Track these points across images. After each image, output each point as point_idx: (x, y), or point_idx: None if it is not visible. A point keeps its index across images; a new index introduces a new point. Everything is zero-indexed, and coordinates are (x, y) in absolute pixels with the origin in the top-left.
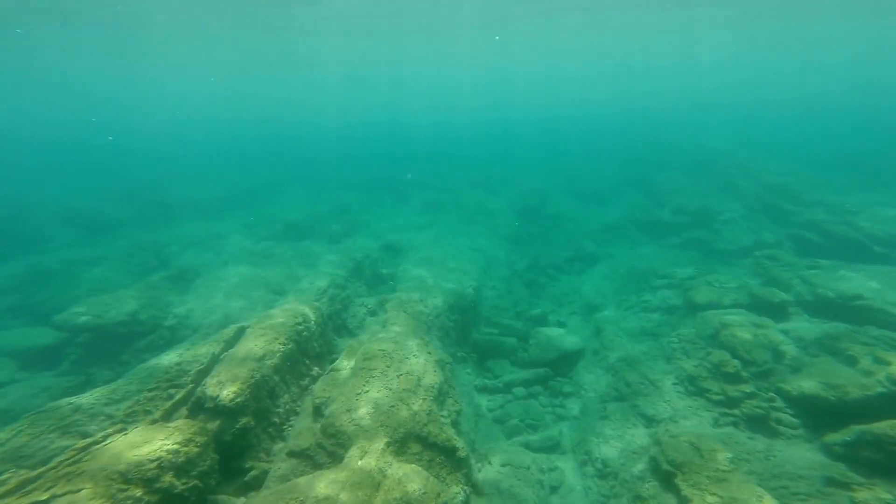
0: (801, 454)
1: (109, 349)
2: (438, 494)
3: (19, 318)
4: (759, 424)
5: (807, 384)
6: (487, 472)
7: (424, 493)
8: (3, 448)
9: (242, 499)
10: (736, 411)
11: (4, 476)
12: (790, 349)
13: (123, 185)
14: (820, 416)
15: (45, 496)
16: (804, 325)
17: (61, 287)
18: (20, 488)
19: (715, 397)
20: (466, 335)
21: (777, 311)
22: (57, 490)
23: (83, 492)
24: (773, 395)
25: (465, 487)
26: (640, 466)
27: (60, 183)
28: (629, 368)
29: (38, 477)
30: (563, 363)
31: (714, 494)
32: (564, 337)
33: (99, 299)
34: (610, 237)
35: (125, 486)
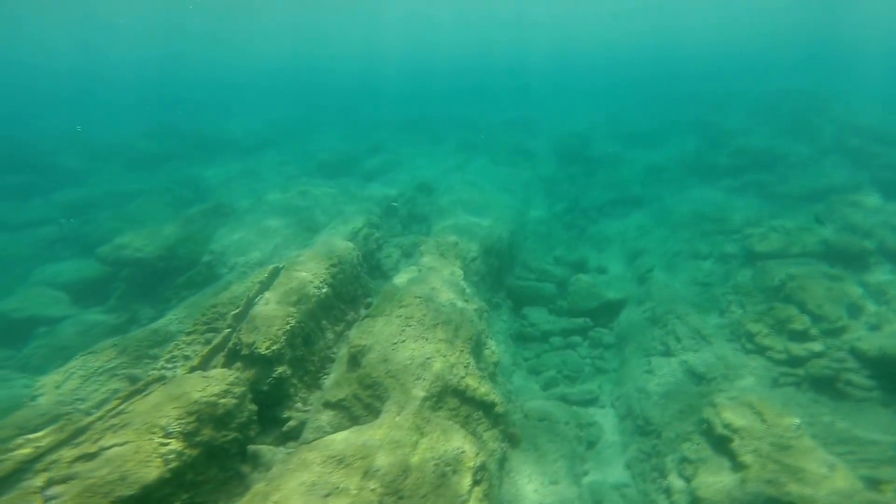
0: (874, 418)
1: (151, 284)
2: (477, 453)
3: (69, 249)
4: (826, 386)
5: (888, 343)
6: (524, 425)
7: (462, 452)
8: (60, 391)
9: (282, 448)
10: (800, 371)
11: (61, 422)
12: (869, 304)
13: (161, 122)
14: None
15: (94, 448)
16: (887, 278)
17: (104, 220)
18: (72, 438)
19: (777, 356)
20: (502, 280)
21: (855, 262)
22: (104, 443)
23: (128, 445)
24: (844, 354)
25: (503, 444)
26: (687, 427)
27: (101, 119)
28: (677, 321)
29: (87, 427)
30: (603, 313)
31: (777, 462)
32: (606, 285)
33: (139, 233)
34: (657, 180)
35: (167, 441)
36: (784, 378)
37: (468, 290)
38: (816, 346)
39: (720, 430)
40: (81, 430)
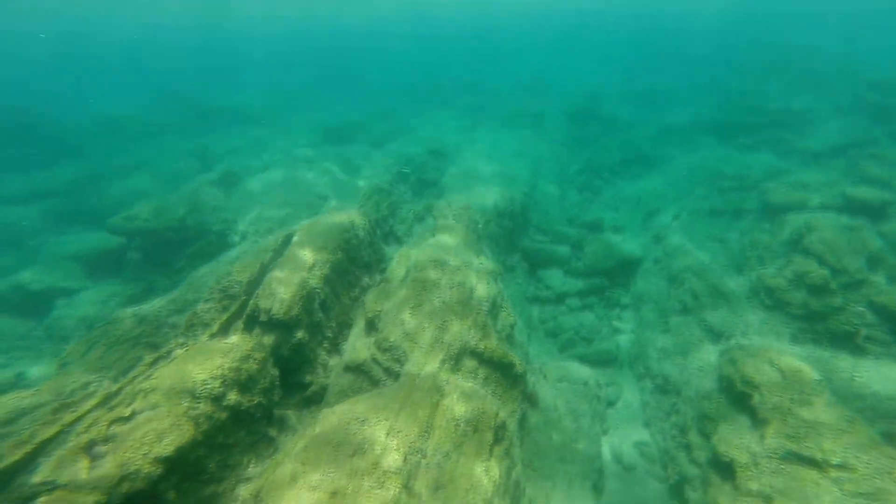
0: (892, 374)
1: (164, 255)
2: (497, 413)
3: (77, 224)
4: (845, 341)
5: None
6: (543, 387)
7: (483, 413)
8: (86, 359)
9: (306, 412)
10: (819, 327)
11: (92, 388)
12: (889, 256)
13: (160, 92)
14: None
15: (127, 412)
16: None
17: (111, 192)
18: (105, 402)
19: (795, 311)
20: (516, 242)
21: (875, 213)
22: (137, 406)
23: (159, 409)
24: (863, 309)
25: (522, 405)
26: (706, 384)
27: (97, 90)
28: (695, 278)
29: (118, 391)
30: (620, 272)
31: (797, 418)
32: (622, 244)
33: (148, 204)
34: (671, 140)
35: (195, 405)
36: (803, 334)
37: (482, 253)
38: (836, 301)
39: (740, 386)
40: (113, 395)
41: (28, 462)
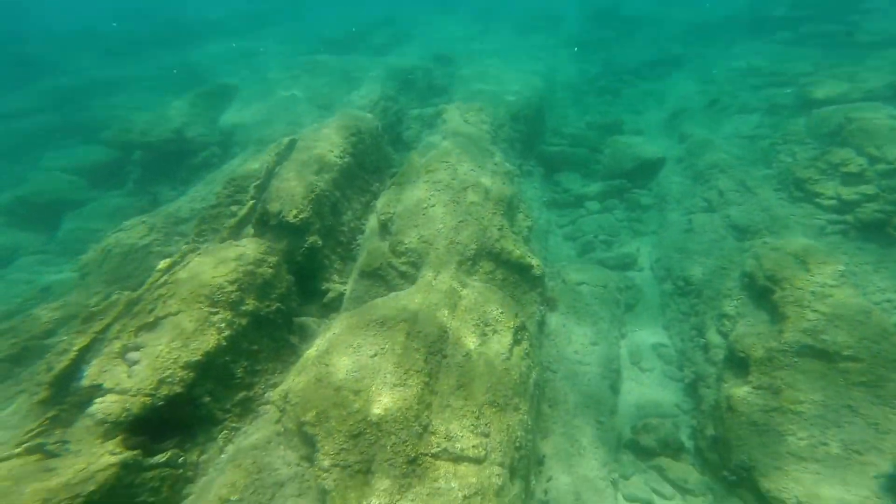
0: None
1: (165, 167)
2: (516, 314)
3: (71, 137)
4: (875, 232)
5: None
6: (562, 290)
7: (502, 313)
8: (104, 269)
9: (325, 320)
10: (849, 217)
11: (114, 297)
12: None
13: (128, 9)
14: None
15: (151, 318)
16: None
17: (98, 107)
18: (128, 310)
19: (826, 202)
20: (532, 147)
21: None
22: (159, 312)
23: (181, 315)
24: None
25: (541, 307)
26: (727, 283)
27: (63, 7)
28: (721, 175)
29: (139, 299)
30: (641, 173)
31: (816, 311)
32: (644, 145)
33: (140, 117)
34: (701, 38)
35: (215, 310)
36: (831, 227)
37: (496, 156)
38: (870, 189)
39: (762, 282)
40: (135, 302)
41: (74, 369)
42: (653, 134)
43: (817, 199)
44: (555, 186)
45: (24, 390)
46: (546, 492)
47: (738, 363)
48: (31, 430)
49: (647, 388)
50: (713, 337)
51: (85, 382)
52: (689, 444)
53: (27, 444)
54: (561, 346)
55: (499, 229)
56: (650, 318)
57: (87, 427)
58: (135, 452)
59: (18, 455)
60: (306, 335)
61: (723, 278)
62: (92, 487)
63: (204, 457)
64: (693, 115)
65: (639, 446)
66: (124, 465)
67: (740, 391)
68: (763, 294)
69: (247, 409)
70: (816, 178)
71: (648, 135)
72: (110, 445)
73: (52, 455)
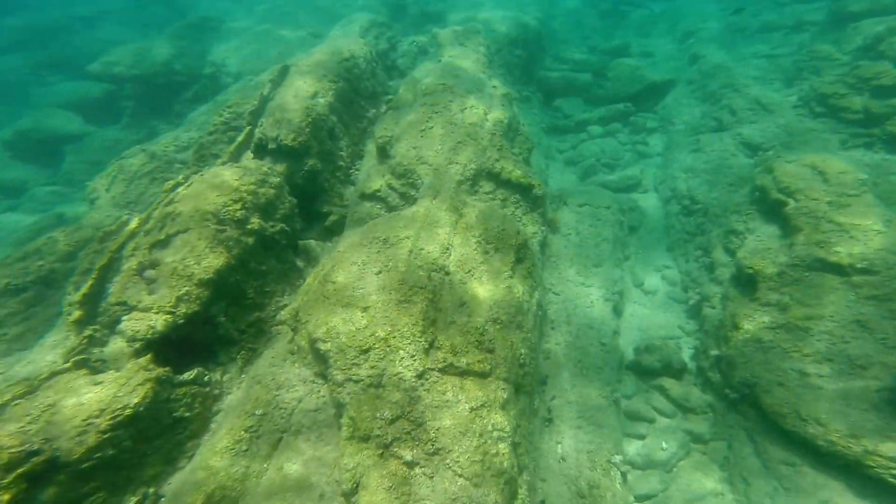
0: None
1: (159, 101)
2: (518, 232)
3: (57, 74)
4: None
5: None
6: (564, 212)
7: (503, 231)
8: (111, 194)
9: (329, 244)
10: (875, 130)
11: (124, 217)
12: None
13: None
14: None
15: (162, 236)
16: None
17: (80, 42)
18: (140, 229)
19: (851, 116)
20: (531, 73)
21: None
22: (169, 230)
23: (189, 233)
24: None
25: (542, 227)
26: (735, 198)
27: None
28: (734, 94)
29: (148, 218)
30: (647, 96)
31: (832, 222)
32: (651, 68)
33: (126, 50)
34: None
35: (222, 228)
36: (854, 140)
37: (494, 79)
38: None
39: (775, 195)
40: (145, 221)
41: (99, 288)
42: (662, 56)
43: (842, 114)
44: (555, 112)
45: (60, 312)
46: (550, 410)
47: (746, 280)
48: (73, 348)
49: (651, 311)
50: (719, 255)
51: (111, 300)
52: (691, 365)
53: (74, 359)
54: (563, 268)
55: (498, 150)
56: (654, 239)
57: (120, 349)
58: (166, 369)
59: (68, 370)
60: (311, 258)
61: (731, 195)
62: (136, 399)
63: (227, 377)
64: (707, 35)
65: (641, 367)
66: (159, 381)
67: (746, 308)
68: (775, 208)
69: (261, 330)
70: (843, 93)
71: (657, 57)
72: (143, 362)
73: (96, 371)
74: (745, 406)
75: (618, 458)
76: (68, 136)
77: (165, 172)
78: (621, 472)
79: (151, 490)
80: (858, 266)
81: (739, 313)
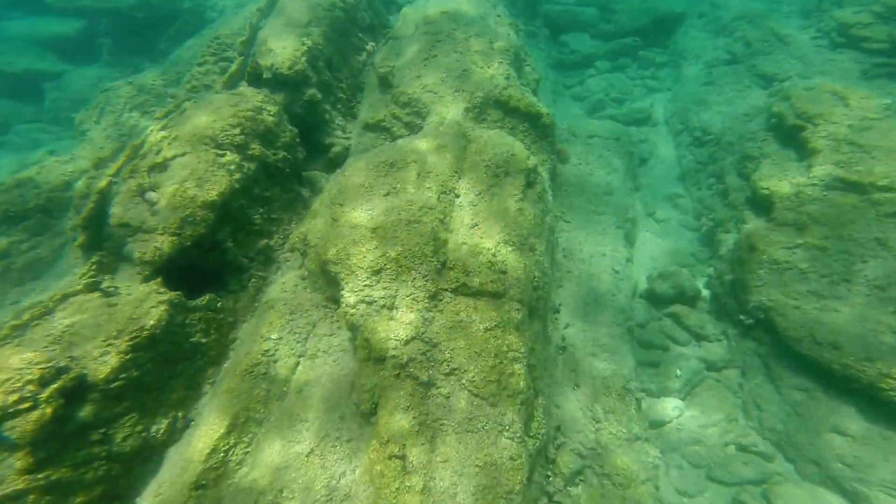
0: None
1: (139, 38)
2: (527, 157)
3: (17, 10)
4: None
5: None
6: (573, 144)
7: (513, 156)
8: (102, 127)
9: (333, 174)
10: None
11: (119, 143)
12: None
13: None
14: None
15: (160, 160)
16: None
17: None
18: (135, 154)
19: (874, 46)
20: (535, 7)
21: None
22: (166, 154)
23: (189, 156)
24: None
25: (552, 156)
26: (750, 127)
27: None
28: (750, 25)
29: (142, 143)
30: (657, 30)
31: (852, 143)
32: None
33: None
34: None
35: (222, 152)
36: (877, 70)
37: (499, 7)
38: None
39: (792, 120)
40: (139, 146)
41: (100, 211)
42: None
43: (864, 44)
44: (561, 48)
45: (66, 241)
46: (563, 338)
47: (761, 201)
48: (84, 273)
49: (663, 239)
50: (733, 181)
51: (113, 221)
52: (705, 292)
53: (86, 282)
54: (573, 196)
55: (506, 78)
56: (665, 170)
57: (129, 274)
58: (178, 293)
59: (80, 292)
60: (316, 189)
61: (745, 124)
62: (152, 321)
63: (239, 304)
64: None
65: (654, 294)
66: (171, 304)
67: (762, 229)
68: (792, 133)
69: (269, 258)
70: (867, 23)
71: None
72: (154, 286)
73: (108, 294)
74: (760, 331)
75: (633, 385)
76: (44, 73)
77: (156, 106)
78: (636, 399)
79: (181, 414)
80: (879, 184)
81: (755, 234)
